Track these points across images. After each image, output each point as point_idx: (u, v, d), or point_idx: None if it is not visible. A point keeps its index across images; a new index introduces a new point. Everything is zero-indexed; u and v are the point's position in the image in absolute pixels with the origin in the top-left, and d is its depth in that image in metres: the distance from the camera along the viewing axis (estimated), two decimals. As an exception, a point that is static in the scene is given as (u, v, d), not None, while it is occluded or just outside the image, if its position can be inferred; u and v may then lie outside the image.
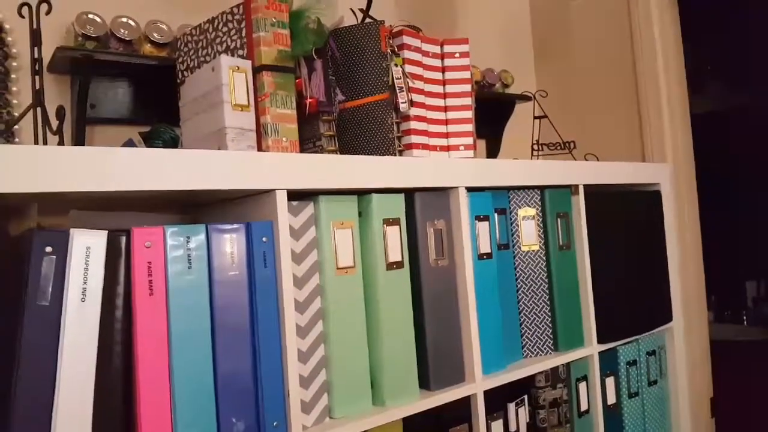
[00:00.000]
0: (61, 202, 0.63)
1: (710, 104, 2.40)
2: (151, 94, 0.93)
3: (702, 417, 1.18)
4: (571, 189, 0.95)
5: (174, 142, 0.81)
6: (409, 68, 0.82)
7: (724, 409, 1.27)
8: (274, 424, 0.60)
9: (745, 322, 2.39)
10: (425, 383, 0.74)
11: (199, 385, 0.55)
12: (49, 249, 0.50)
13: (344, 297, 0.68)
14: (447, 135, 0.86)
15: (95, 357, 0.51)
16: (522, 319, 0.89)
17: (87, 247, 0.51)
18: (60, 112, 0.63)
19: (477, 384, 0.78)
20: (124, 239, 0.54)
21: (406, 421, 0.71)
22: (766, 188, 2.33)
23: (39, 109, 0.67)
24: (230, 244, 0.58)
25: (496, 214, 0.85)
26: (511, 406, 0.82)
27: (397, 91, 0.75)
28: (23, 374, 0.48)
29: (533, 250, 0.90)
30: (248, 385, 0.59)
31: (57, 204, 0.63)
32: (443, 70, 0.88)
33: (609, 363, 0.97)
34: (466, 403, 0.78)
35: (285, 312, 0.61)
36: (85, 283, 0.51)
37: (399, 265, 0.73)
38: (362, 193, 0.71)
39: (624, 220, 1.03)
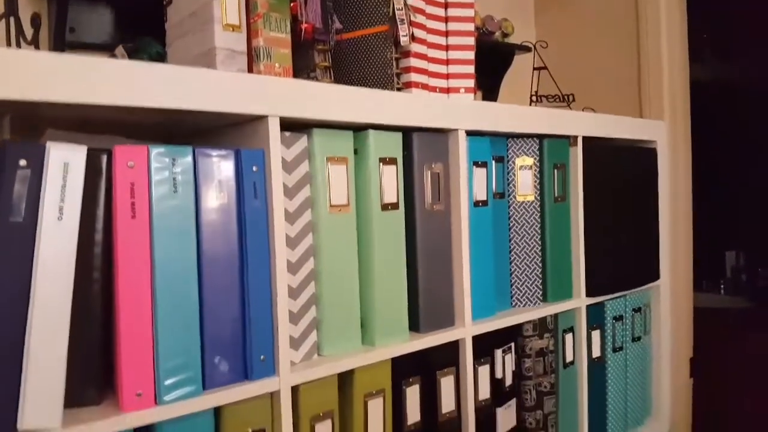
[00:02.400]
0: (35, 120, 0.58)
1: (705, 73, 2.38)
2: (135, 16, 0.88)
3: (681, 376, 1.20)
4: (570, 140, 0.93)
5: (161, 58, 0.76)
6: (410, 0, 0.77)
7: (702, 370, 1.29)
8: (261, 358, 0.58)
9: (722, 292, 2.42)
10: (415, 326, 0.73)
11: (183, 314, 0.53)
12: (23, 163, 0.46)
13: (337, 235, 0.66)
14: (447, 76, 0.82)
15: (72, 281, 0.48)
16: (513, 269, 0.88)
17: (65, 163, 0.47)
18: (35, 21, 0.58)
19: (466, 329, 0.76)
20: (105, 158, 0.51)
21: (395, 361, 0.70)
22: (754, 160, 2.33)
23: (12, 19, 0.62)
24: (218, 170, 0.55)
25: (494, 162, 0.83)
26: (498, 353, 0.82)
27: (398, 22, 0.71)
28: (-5, 295, 0.46)
29: (528, 201, 0.88)
30: (235, 317, 0.57)
31: (31, 122, 0.59)
32: (446, 6, 0.83)
33: (596, 316, 0.97)
34: (454, 347, 0.77)
35: (276, 246, 0.59)
36: (62, 200, 0.47)
37: (394, 206, 0.70)
38: (358, 130, 0.68)
39: (619, 175, 1.01)
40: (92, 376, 0.52)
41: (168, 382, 0.52)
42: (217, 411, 0.56)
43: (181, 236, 0.53)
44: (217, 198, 0.55)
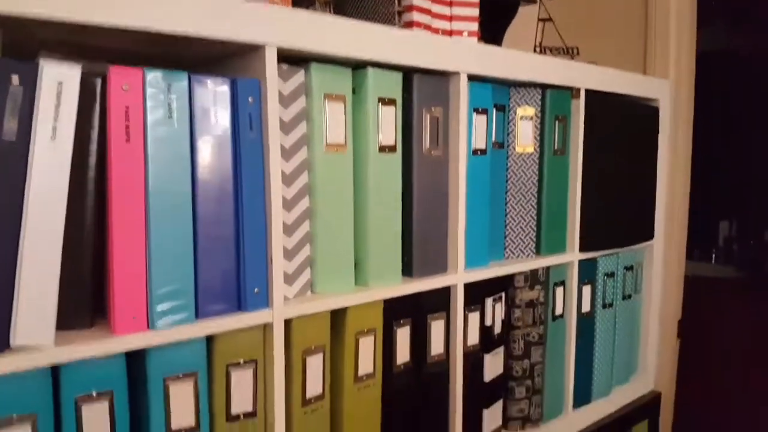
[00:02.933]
0: (27, 41, 0.57)
1: (713, 41, 2.34)
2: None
3: (668, 337, 1.22)
4: (572, 92, 0.92)
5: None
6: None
7: (690, 333, 1.30)
8: (255, 290, 0.58)
9: (713, 261, 2.44)
10: (408, 271, 0.74)
11: (176, 241, 0.53)
12: (15, 79, 0.45)
13: (333, 175, 0.65)
14: (451, 18, 0.81)
15: (65, 201, 0.48)
16: (508, 221, 0.88)
17: (59, 83, 0.47)
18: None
19: (458, 275, 0.77)
20: (99, 81, 0.50)
21: (387, 303, 0.71)
22: (755, 133, 2.32)
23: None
24: (214, 98, 0.54)
25: (495, 110, 0.82)
26: (489, 301, 0.82)
27: (403, -41, 0.69)
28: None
29: (527, 153, 0.87)
30: (229, 248, 0.57)
31: (23, 44, 0.58)
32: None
33: (588, 272, 0.98)
34: (446, 293, 0.77)
35: (271, 182, 0.59)
36: (55, 120, 0.47)
37: (391, 149, 0.70)
38: (357, 68, 0.67)
39: (620, 132, 1.01)
40: (84, 300, 0.53)
41: (161, 307, 0.53)
42: (210, 340, 0.57)
43: (176, 163, 0.52)
44: (212, 127, 0.55)
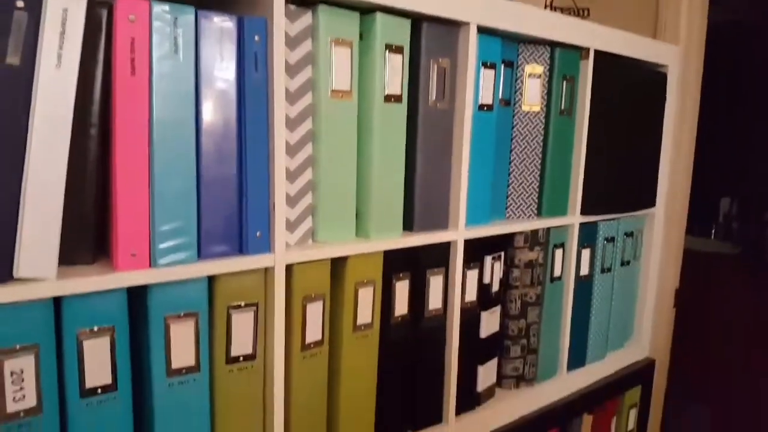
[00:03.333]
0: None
1: (725, 13, 2.30)
2: None
3: (665, 305, 1.23)
4: (581, 53, 0.91)
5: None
6: None
7: (686, 304, 1.31)
8: (257, 234, 0.58)
9: (713, 236, 2.45)
10: (409, 225, 0.73)
11: (180, 179, 0.53)
12: (20, 3, 0.44)
13: (337, 123, 0.65)
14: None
15: (69, 133, 0.48)
16: (511, 181, 0.87)
17: (64, 9, 0.46)
18: None
19: (459, 232, 0.77)
20: (105, 12, 0.49)
21: (387, 256, 0.71)
22: (762, 108, 2.30)
23: None
24: (220, 35, 0.53)
25: (503, 66, 0.81)
26: (488, 259, 0.83)
27: None
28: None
29: (534, 111, 0.86)
30: (232, 190, 0.57)
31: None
32: None
33: (588, 236, 0.98)
34: (445, 249, 0.77)
35: (275, 124, 0.58)
36: (60, 47, 0.46)
37: (397, 99, 0.69)
38: (365, 13, 0.66)
39: (627, 95, 1.00)
40: (87, 236, 0.53)
41: (163, 245, 0.53)
42: (211, 282, 0.57)
43: (181, 98, 0.52)
44: (217, 64, 0.54)
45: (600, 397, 1.08)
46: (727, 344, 1.81)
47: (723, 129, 2.32)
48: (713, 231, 2.43)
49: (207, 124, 0.54)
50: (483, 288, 0.83)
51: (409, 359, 0.76)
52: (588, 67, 0.90)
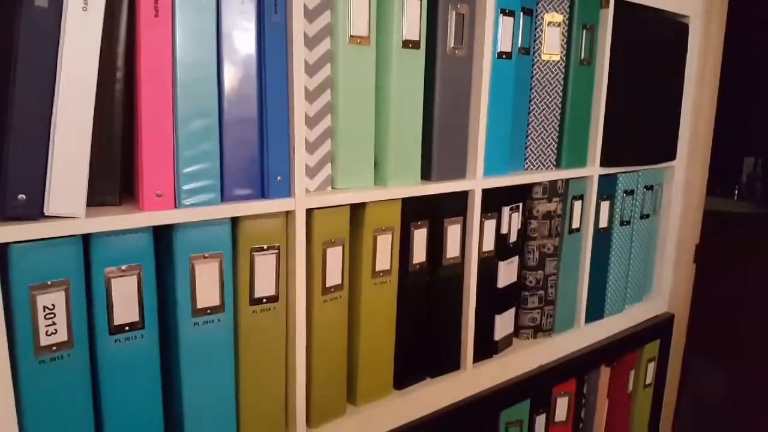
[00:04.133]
0: None
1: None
2: None
3: (684, 260, 1.22)
4: (601, 1, 0.89)
5: None
6: None
7: (706, 258, 1.31)
8: (279, 178, 0.59)
9: (736, 197, 2.41)
10: (427, 174, 0.74)
11: (203, 122, 0.54)
12: (42, -57, 0.45)
13: (355, 69, 0.65)
14: None
15: (96, 74, 0.49)
16: (529, 131, 0.87)
17: (85, -50, 0.46)
18: None
19: (477, 181, 0.77)
20: (124, -47, 0.50)
21: (405, 204, 0.72)
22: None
23: None
24: (240, -23, 0.54)
25: (522, 13, 0.80)
26: (506, 210, 0.83)
27: None
28: (19, 86, 0.46)
29: (553, 61, 0.86)
30: (253, 134, 0.58)
31: None
32: None
33: (607, 187, 0.97)
34: (463, 198, 0.78)
35: (294, 69, 0.59)
36: (84, -10, 0.47)
37: (415, 45, 0.69)
38: (383, -41, 0.65)
39: (648, 46, 0.98)
40: (114, 177, 0.54)
41: (187, 186, 0.54)
42: (235, 224, 0.59)
43: (203, 40, 0.52)
44: (237, 6, 0.54)
45: (618, 350, 1.09)
46: (750, 304, 1.80)
47: (747, 86, 2.26)
48: (736, 191, 2.39)
49: (228, 66, 0.55)
50: (501, 238, 0.84)
51: (428, 306, 0.77)
52: (608, 16, 0.89)
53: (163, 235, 0.56)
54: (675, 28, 1.04)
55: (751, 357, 1.76)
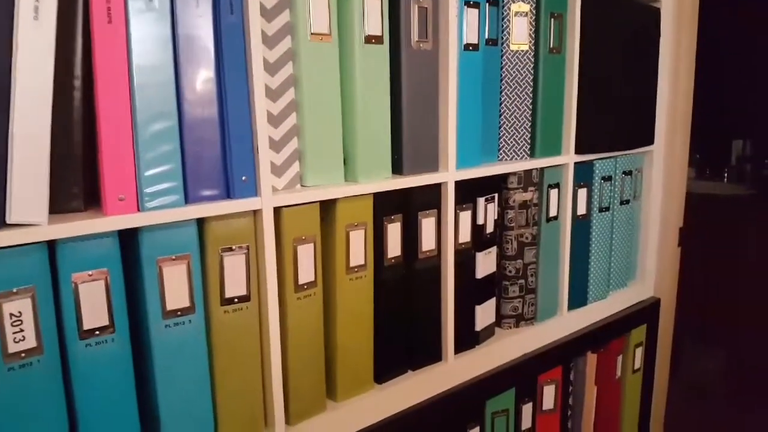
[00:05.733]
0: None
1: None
2: None
3: (669, 244, 1.23)
4: (569, -11, 0.89)
5: None
6: None
7: (691, 242, 1.31)
8: (243, 178, 0.60)
9: (725, 180, 2.42)
10: (398, 168, 0.74)
11: (163, 124, 0.54)
12: (-12, -47, 0.45)
13: (318, 66, 0.65)
14: None
15: (51, 84, 0.49)
16: (502, 122, 0.87)
17: (33, -41, 0.47)
18: None
19: (449, 174, 0.78)
20: (75, -40, 0.50)
21: (377, 198, 0.72)
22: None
23: None
24: (193, -20, 0.54)
25: (488, 5, 0.80)
26: (481, 201, 0.83)
27: None
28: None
29: (522, 50, 0.86)
30: (215, 134, 0.58)
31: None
32: None
33: (584, 174, 0.98)
34: (436, 190, 0.78)
35: (253, 68, 0.59)
36: (37, 0, 0.47)
37: (378, 40, 0.69)
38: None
39: (619, 31, 0.98)
40: (77, 184, 0.54)
41: (150, 189, 0.54)
42: (202, 225, 0.59)
43: (158, 44, 0.53)
44: (192, 8, 0.55)
45: (604, 336, 1.09)
46: (738, 284, 1.80)
47: (731, 70, 2.27)
48: (726, 174, 2.40)
49: (186, 69, 0.55)
50: (477, 229, 0.84)
51: (406, 300, 0.78)
52: (576, 4, 0.89)
53: (129, 239, 0.57)
54: (647, 13, 1.05)
55: (743, 338, 1.76)
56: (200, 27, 0.56)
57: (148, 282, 0.56)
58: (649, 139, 1.10)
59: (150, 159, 0.54)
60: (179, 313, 0.58)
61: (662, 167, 1.17)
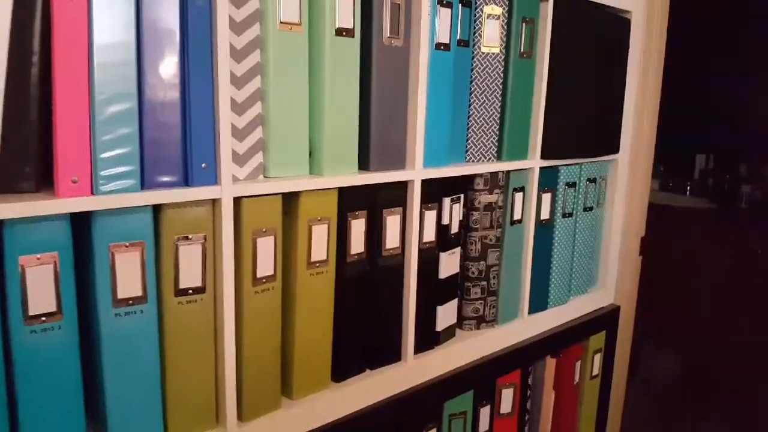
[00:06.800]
0: None
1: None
2: None
3: (631, 253, 1.25)
4: (542, -5, 0.90)
5: None
6: None
7: (652, 252, 1.34)
8: (203, 165, 0.58)
9: (687, 193, 2.48)
10: (365, 164, 0.74)
11: (121, 106, 0.52)
12: None
13: (286, 56, 0.64)
14: None
15: (5, 62, 0.47)
16: (470, 123, 0.87)
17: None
18: None
19: (416, 172, 0.77)
20: (33, -70, 0.48)
21: (342, 194, 0.71)
22: (734, 67, 2.30)
23: None
24: (158, -42, 0.52)
25: (460, 5, 0.80)
26: (447, 201, 0.83)
27: None
28: None
29: (493, 53, 0.86)
30: (174, 119, 0.56)
31: None
32: None
33: (549, 179, 0.99)
34: (402, 189, 0.78)
35: (218, 53, 0.57)
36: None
37: (349, 33, 0.68)
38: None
39: (589, 40, 1.00)
40: (30, 164, 0.52)
41: (105, 172, 0.53)
42: (158, 212, 0.57)
43: (122, 23, 0.51)
44: (156, -9, 0.53)
45: (563, 341, 1.10)
46: (696, 293, 1.85)
47: (698, 85, 2.32)
48: (688, 187, 2.46)
49: (149, 50, 0.54)
50: (442, 229, 0.84)
51: (367, 298, 0.77)
52: (548, 9, 0.90)
53: (82, 223, 0.55)
54: (617, 23, 1.06)
55: (701, 345, 1.80)
56: (166, 8, 0.54)
57: (99, 268, 0.54)
58: (614, 148, 1.11)
59: (107, 141, 0.52)
60: (131, 302, 0.56)
61: (626, 176, 1.19)
